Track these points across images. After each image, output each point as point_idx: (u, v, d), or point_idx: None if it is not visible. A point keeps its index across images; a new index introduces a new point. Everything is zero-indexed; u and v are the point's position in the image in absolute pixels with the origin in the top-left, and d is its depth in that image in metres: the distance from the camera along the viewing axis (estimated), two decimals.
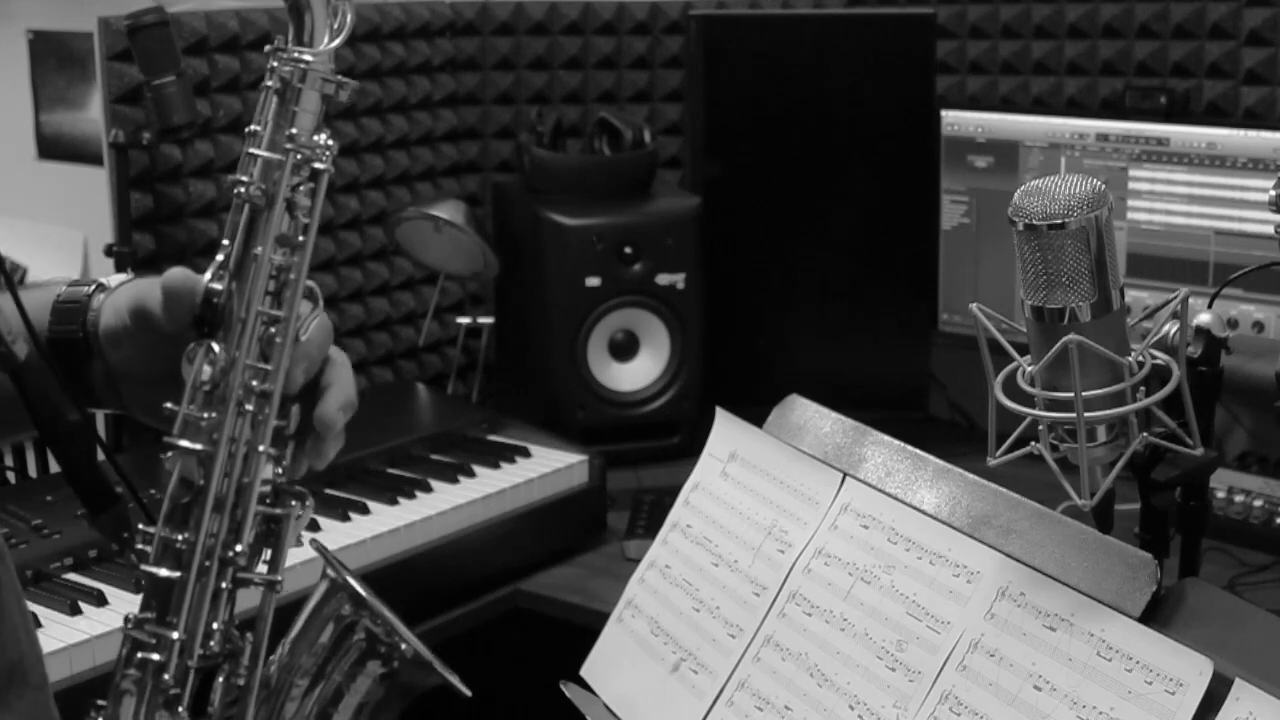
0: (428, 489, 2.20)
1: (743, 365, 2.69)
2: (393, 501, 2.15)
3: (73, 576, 1.86)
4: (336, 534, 2.03)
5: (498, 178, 2.92)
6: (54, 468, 2.35)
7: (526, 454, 2.35)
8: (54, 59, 3.08)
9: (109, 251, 2.37)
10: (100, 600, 1.80)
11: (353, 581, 1.19)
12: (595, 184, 2.64)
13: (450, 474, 2.25)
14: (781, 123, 2.67)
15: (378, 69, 2.72)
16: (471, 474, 2.26)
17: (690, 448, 1.53)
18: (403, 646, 1.18)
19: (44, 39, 3.08)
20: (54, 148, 3.11)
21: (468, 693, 1.21)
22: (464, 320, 2.84)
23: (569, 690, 1.42)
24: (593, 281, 2.51)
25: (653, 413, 2.57)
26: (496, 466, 2.29)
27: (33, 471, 2.38)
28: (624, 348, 2.58)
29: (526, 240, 2.61)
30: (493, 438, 2.41)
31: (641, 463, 2.55)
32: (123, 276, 1.20)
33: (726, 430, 1.46)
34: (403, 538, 2.08)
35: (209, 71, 2.47)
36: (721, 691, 1.30)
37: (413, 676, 1.20)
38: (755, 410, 1.47)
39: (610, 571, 2.18)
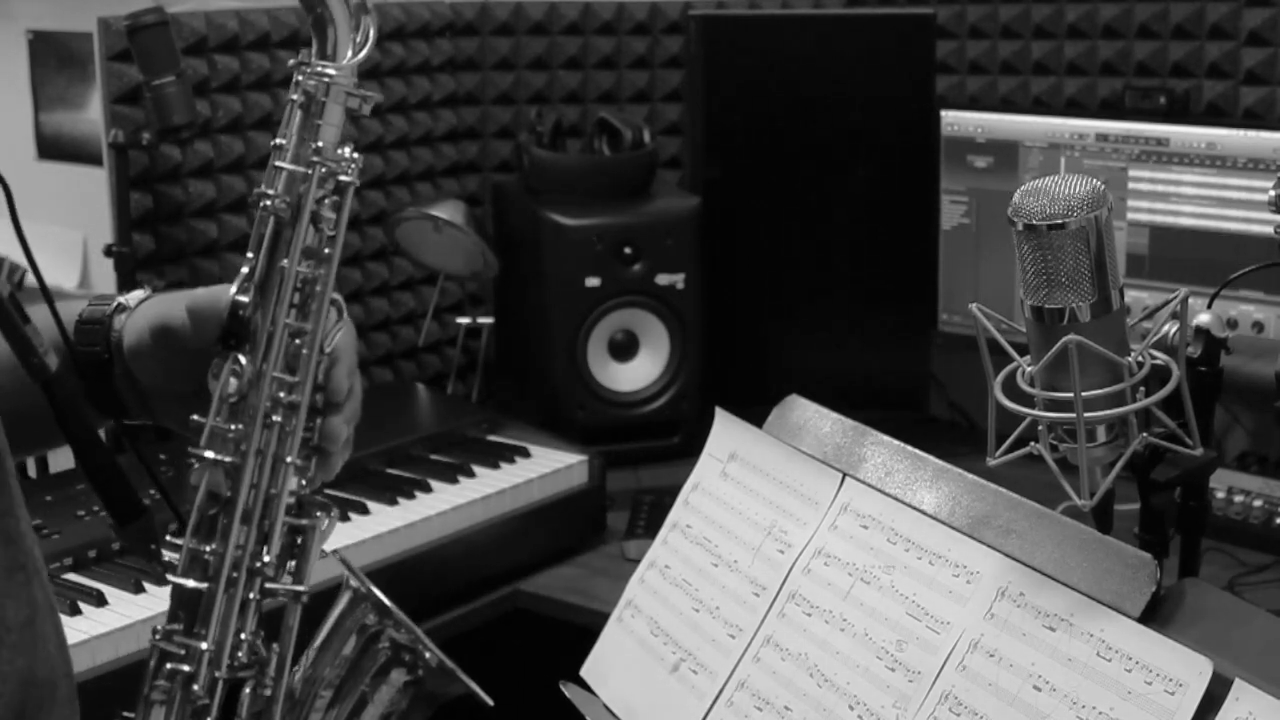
0: (428, 489, 2.20)
1: (743, 365, 2.69)
2: (393, 501, 2.15)
3: (72, 577, 1.86)
4: (336, 534, 2.02)
5: (498, 178, 2.92)
6: (54, 468, 2.35)
7: (526, 454, 2.35)
8: (54, 59, 3.08)
9: (109, 252, 2.36)
10: (100, 600, 1.80)
11: (376, 591, 1.19)
12: (595, 184, 2.64)
13: (450, 474, 2.25)
14: (781, 123, 2.67)
15: (377, 69, 2.72)
16: (471, 474, 2.26)
17: (690, 448, 1.52)
18: (427, 655, 1.19)
19: (44, 39, 3.08)
20: (54, 148, 3.11)
21: (490, 702, 1.21)
22: (464, 320, 2.84)
23: (569, 690, 1.42)
24: (592, 281, 2.51)
25: (653, 413, 2.57)
26: (496, 466, 2.29)
27: (32, 472, 2.38)
28: (624, 348, 2.58)
29: (526, 240, 2.61)
30: (493, 438, 2.41)
31: (641, 463, 2.55)
32: (141, 294, 1.20)
33: (726, 430, 1.46)
34: (403, 538, 2.08)
35: (209, 71, 2.47)
36: (721, 692, 1.30)
37: (436, 685, 1.20)
38: (755, 410, 1.47)
39: (610, 571, 2.18)
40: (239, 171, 2.54)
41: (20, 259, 1.11)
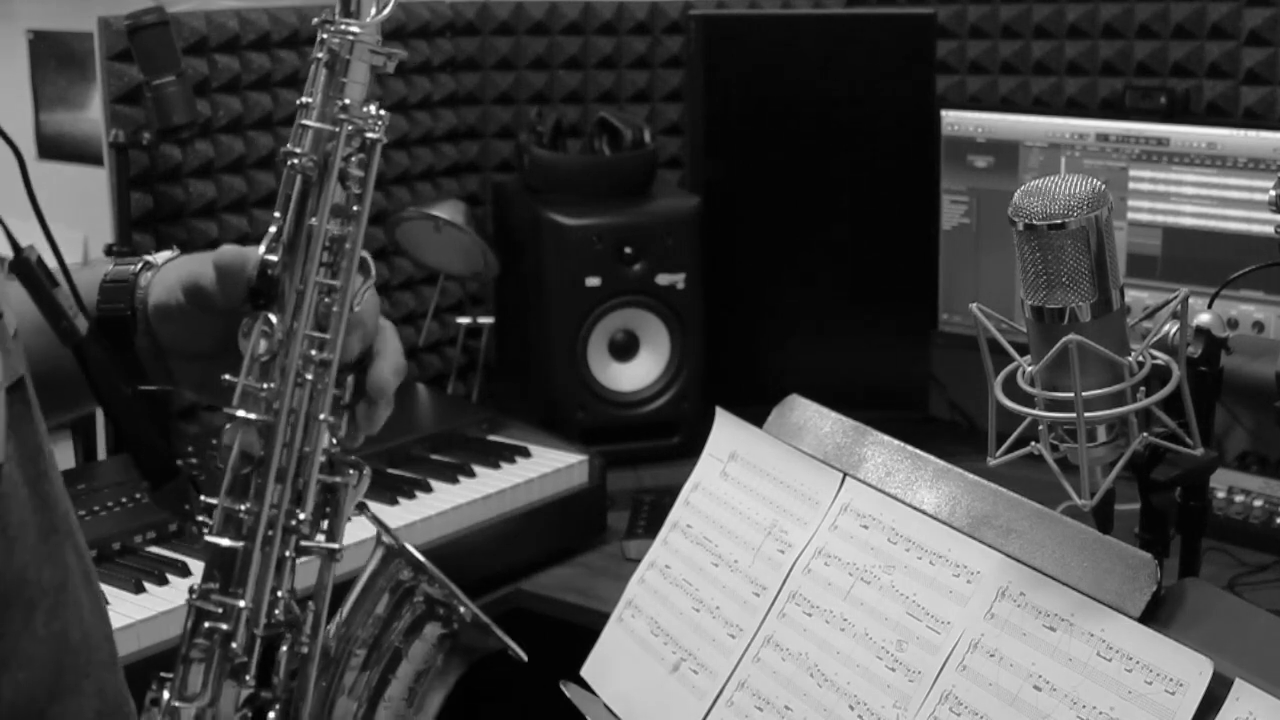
0: (428, 489, 2.20)
1: (743, 365, 2.69)
2: (392, 501, 2.15)
3: None
4: None
5: (498, 178, 2.92)
6: (61, 464, 2.34)
7: (526, 454, 2.35)
8: (54, 59, 3.08)
9: (109, 251, 2.36)
10: None
11: (409, 547, 1.20)
12: (595, 184, 2.64)
13: (450, 474, 2.25)
14: (781, 122, 2.67)
15: None
16: (471, 474, 2.26)
17: (690, 448, 1.53)
18: (461, 609, 1.19)
19: (44, 39, 3.08)
20: (54, 148, 3.11)
21: (524, 657, 1.21)
22: (464, 320, 2.84)
23: (569, 690, 1.42)
24: (593, 281, 2.51)
25: (653, 413, 2.57)
26: (496, 466, 2.29)
27: None
28: (624, 348, 2.58)
29: (526, 240, 2.61)
30: (493, 438, 2.41)
31: (641, 463, 2.55)
32: (169, 253, 1.21)
33: (726, 430, 1.46)
34: (402, 537, 2.06)
35: (209, 71, 2.47)
36: (721, 691, 1.30)
37: (471, 639, 1.20)
38: (755, 410, 1.47)
39: (610, 571, 2.18)
40: (239, 171, 2.54)
41: (28, 235, 1.11)
